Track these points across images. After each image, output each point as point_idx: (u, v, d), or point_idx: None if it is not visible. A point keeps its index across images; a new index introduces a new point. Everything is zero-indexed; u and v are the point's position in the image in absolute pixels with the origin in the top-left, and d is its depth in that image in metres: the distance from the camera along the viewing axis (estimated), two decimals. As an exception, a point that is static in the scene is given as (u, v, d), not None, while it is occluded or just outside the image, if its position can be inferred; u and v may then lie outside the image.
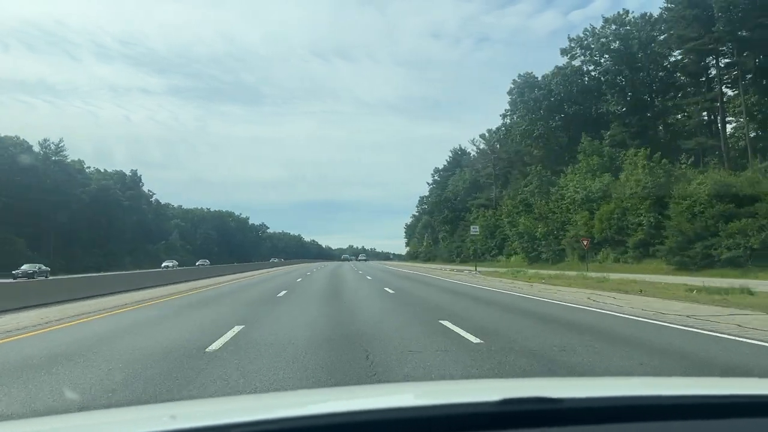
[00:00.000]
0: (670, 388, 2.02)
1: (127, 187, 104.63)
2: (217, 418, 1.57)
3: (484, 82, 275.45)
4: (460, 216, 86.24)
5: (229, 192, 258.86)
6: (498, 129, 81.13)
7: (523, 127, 66.32)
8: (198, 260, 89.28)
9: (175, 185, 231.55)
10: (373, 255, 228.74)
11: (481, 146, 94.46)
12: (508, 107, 71.43)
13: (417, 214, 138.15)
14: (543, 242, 53.98)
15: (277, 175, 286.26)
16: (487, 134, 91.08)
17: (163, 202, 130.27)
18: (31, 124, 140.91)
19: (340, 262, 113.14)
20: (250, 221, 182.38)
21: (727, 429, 1.44)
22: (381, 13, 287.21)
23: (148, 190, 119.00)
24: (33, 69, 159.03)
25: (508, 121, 72.44)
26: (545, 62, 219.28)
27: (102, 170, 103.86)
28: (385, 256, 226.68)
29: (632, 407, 1.49)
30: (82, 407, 5.11)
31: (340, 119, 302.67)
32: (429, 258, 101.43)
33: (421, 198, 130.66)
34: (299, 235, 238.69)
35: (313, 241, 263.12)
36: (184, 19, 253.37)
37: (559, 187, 54.02)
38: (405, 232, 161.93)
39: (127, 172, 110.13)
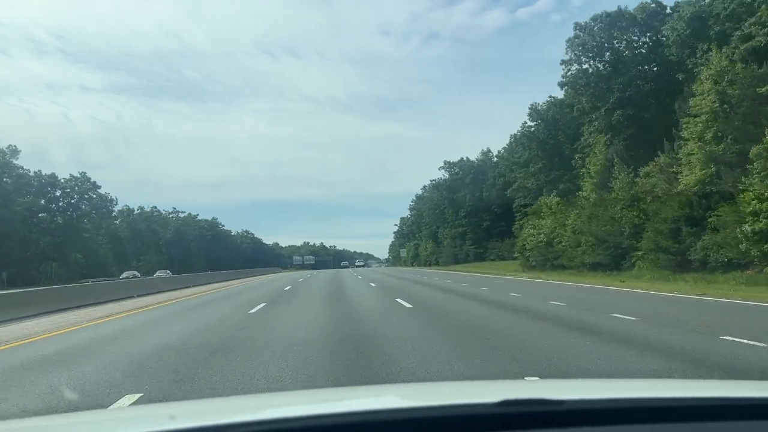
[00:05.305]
0: (671, 390, 2.03)
1: None
2: (215, 418, 1.59)
3: (433, 81, 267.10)
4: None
5: (176, 193, 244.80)
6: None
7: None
8: None
9: (120, 186, 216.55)
10: (333, 254, 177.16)
11: None
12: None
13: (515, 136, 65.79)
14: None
15: (225, 174, 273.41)
16: None
17: None
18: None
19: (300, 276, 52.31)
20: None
21: (728, 431, 1.44)
22: (329, 9, 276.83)
23: None
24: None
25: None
26: (494, 60, 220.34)
27: None
28: (377, 261, 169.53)
29: (633, 409, 1.50)
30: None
31: (289, 117, 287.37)
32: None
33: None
34: (215, 219, 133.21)
35: (247, 232, 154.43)
36: (123, 13, 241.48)
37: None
38: (401, 224, 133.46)
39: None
